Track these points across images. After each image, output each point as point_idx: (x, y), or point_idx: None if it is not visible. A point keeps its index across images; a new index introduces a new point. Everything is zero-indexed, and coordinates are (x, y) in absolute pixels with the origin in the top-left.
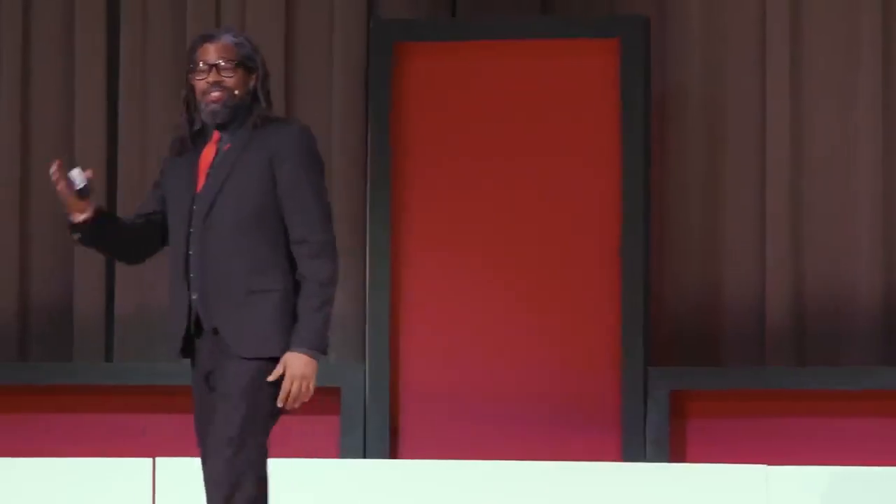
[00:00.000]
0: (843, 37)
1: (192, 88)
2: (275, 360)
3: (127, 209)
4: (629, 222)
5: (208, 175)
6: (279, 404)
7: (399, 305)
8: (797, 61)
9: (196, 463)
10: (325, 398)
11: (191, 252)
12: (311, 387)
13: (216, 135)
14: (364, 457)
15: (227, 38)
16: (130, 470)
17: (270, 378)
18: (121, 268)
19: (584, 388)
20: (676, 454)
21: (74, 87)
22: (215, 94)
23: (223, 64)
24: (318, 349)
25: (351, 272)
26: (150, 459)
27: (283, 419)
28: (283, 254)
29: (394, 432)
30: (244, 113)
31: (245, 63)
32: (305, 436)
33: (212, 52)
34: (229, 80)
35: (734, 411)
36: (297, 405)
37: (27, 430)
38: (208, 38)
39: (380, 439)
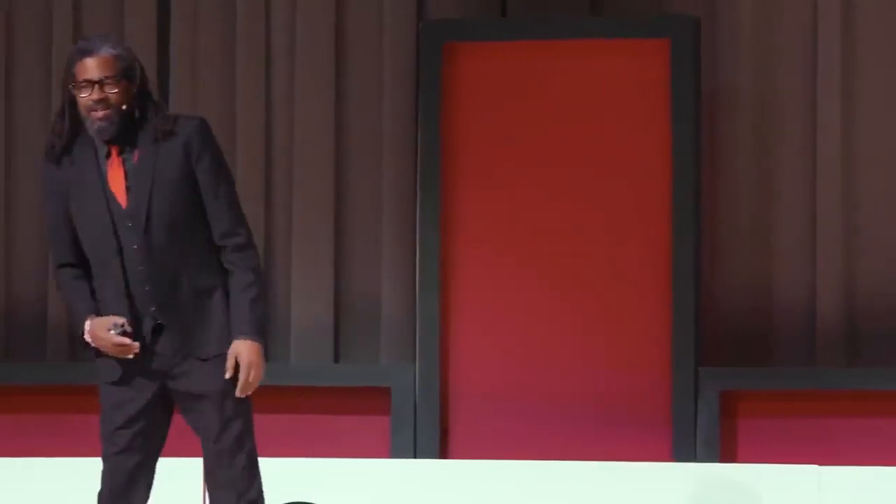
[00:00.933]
0: (895, 35)
1: (72, 100)
2: (224, 357)
3: None
4: (679, 222)
5: (129, 189)
6: (239, 394)
7: (449, 306)
8: (848, 60)
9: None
10: (375, 398)
11: (132, 268)
12: (262, 373)
13: (113, 149)
14: (414, 457)
15: (105, 51)
16: (182, 470)
17: (227, 373)
18: None
19: (634, 388)
20: (727, 454)
21: None
22: (102, 113)
23: (106, 80)
24: (262, 336)
25: (401, 273)
26: (201, 459)
27: (332, 421)
28: (212, 249)
29: (444, 432)
30: (132, 121)
31: (127, 74)
32: (356, 436)
33: (93, 68)
34: (114, 95)
35: (785, 411)
36: (250, 392)
37: (80, 430)
38: (87, 52)
39: (430, 439)
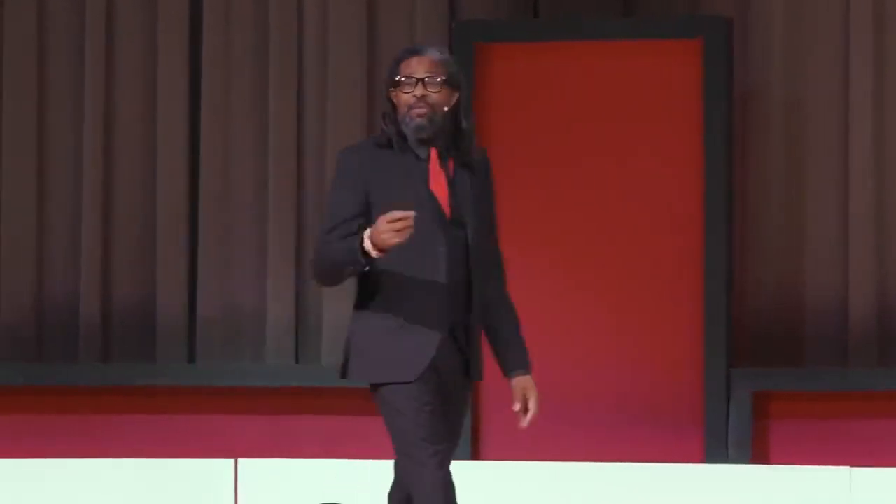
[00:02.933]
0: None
1: (392, 102)
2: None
3: (207, 208)
4: (711, 222)
5: (453, 197)
6: (524, 425)
7: None
8: (881, 61)
9: (278, 463)
10: None
11: (452, 273)
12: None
13: (433, 153)
14: None
15: (433, 54)
16: (213, 471)
17: (517, 405)
18: (204, 269)
19: (666, 389)
20: (759, 455)
21: (157, 89)
22: (422, 110)
23: (429, 79)
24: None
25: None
26: (233, 461)
27: (365, 422)
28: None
29: (475, 433)
30: (446, 130)
31: (450, 81)
32: (386, 437)
33: (420, 67)
34: (435, 96)
35: (817, 412)
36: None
37: (110, 431)
38: (415, 52)
39: (462, 441)
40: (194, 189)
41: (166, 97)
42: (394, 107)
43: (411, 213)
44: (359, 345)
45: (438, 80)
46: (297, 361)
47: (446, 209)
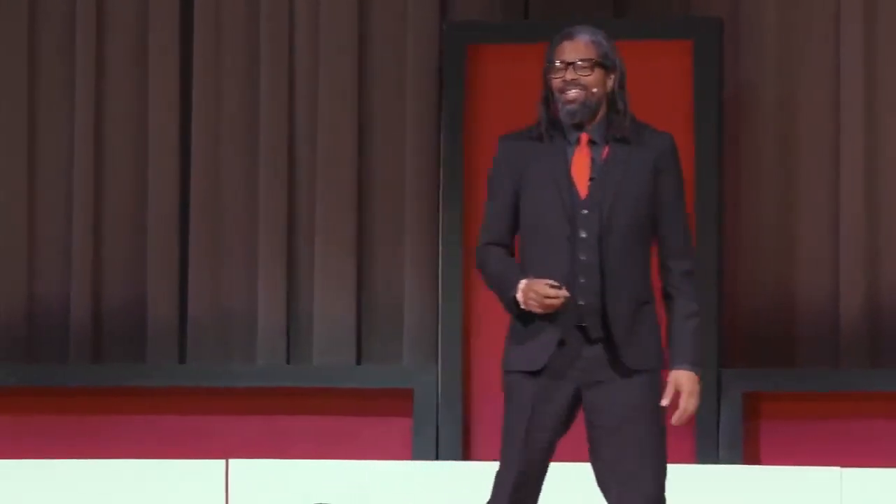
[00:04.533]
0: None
1: (549, 86)
2: (655, 372)
3: (198, 209)
4: (702, 223)
5: (593, 180)
6: (675, 422)
7: (471, 308)
8: (871, 62)
9: (269, 464)
10: (397, 400)
11: (582, 258)
12: (696, 405)
13: (583, 138)
14: (436, 458)
15: (583, 37)
16: (203, 471)
17: (665, 400)
18: (195, 270)
19: None
20: (750, 456)
21: (148, 92)
22: (572, 94)
23: (580, 62)
24: (700, 367)
25: (424, 275)
26: (224, 461)
27: (354, 423)
28: (648, 265)
29: (466, 433)
30: (602, 113)
31: (602, 62)
32: (378, 437)
33: (569, 51)
34: (586, 78)
35: (808, 413)
36: (683, 422)
37: (102, 432)
38: (566, 35)
39: (452, 441)
40: (185, 191)
41: (157, 100)
42: (551, 92)
43: (564, 294)
44: (508, 335)
45: (589, 62)
46: (287, 362)
47: (582, 193)
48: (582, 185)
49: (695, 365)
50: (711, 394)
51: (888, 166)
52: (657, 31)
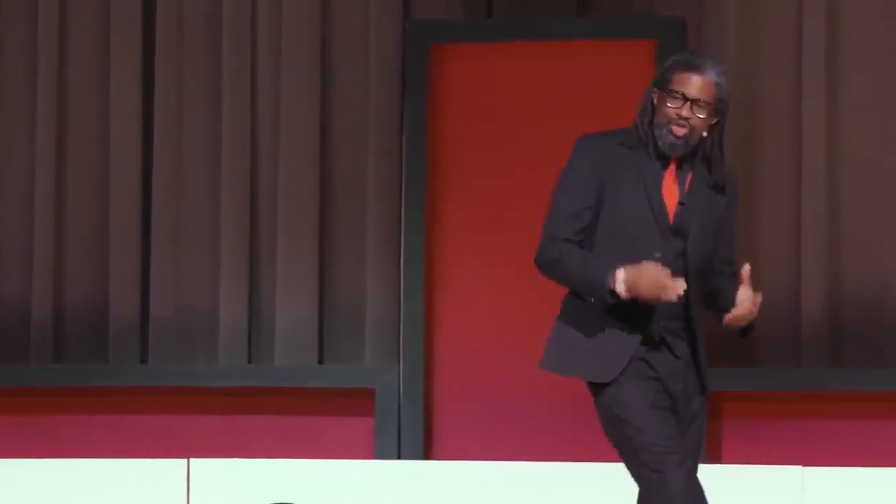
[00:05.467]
0: (879, 37)
1: (652, 102)
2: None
3: (160, 208)
4: None
5: (682, 205)
6: (732, 316)
7: (433, 307)
8: (833, 62)
9: (230, 464)
10: (359, 400)
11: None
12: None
13: (673, 163)
14: (398, 458)
15: (710, 75)
16: (165, 471)
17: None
18: (156, 269)
19: None
20: (712, 455)
21: (109, 89)
22: (682, 130)
23: (701, 102)
24: None
25: (386, 274)
26: (185, 460)
27: (316, 422)
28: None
29: (428, 433)
30: (695, 149)
31: (719, 105)
32: (340, 437)
33: (694, 86)
34: (700, 120)
35: (770, 412)
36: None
37: (63, 432)
38: (694, 67)
39: (414, 440)
40: (147, 191)
41: (119, 101)
42: (652, 106)
43: (682, 284)
44: (562, 338)
45: (708, 106)
46: (249, 362)
47: (671, 217)
48: (671, 207)
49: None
50: None
51: (849, 166)
52: (620, 30)
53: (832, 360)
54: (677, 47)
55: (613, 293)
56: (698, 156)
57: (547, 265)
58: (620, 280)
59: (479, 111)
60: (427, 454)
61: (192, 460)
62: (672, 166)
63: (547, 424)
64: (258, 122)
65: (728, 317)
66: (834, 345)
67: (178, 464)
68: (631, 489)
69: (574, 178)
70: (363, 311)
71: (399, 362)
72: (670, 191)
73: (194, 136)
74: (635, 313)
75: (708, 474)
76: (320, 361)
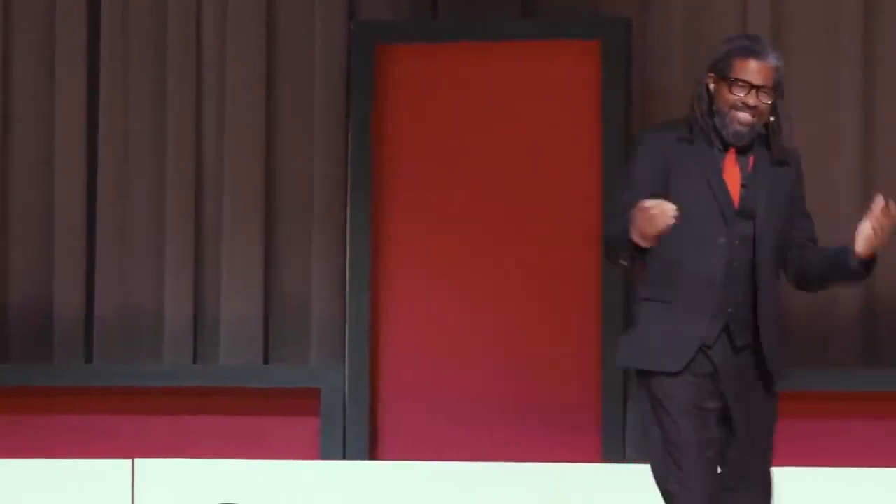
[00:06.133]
0: (823, 37)
1: (708, 88)
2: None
3: (105, 208)
4: (609, 223)
5: (745, 188)
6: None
7: (379, 307)
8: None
9: (175, 464)
10: (305, 400)
11: (734, 265)
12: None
13: (733, 148)
14: (344, 458)
15: (772, 60)
16: (109, 471)
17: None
18: (101, 269)
19: (563, 389)
20: None
21: (54, 87)
22: (747, 118)
23: (763, 88)
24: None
25: (331, 274)
26: (129, 461)
27: (261, 422)
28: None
29: (373, 433)
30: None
31: (779, 89)
32: (285, 437)
33: (758, 73)
34: (764, 106)
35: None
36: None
37: (7, 432)
38: (754, 53)
39: (359, 440)
40: (92, 189)
41: (64, 98)
42: (709, 92)
43: (667, 205)
44: (632, 330)
45: (771, 89)
46: (194, 362)
47: (735, 200)
48: (735, 192)
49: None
50: (617, 393)
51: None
52: (565, 31)
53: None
54: (622, 48)
55: (633, 243)
56: (760, 140)
57: (603, 252)
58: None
59: (425, 111)
60: (372, 454)
61: (136, 461)
62: (732, 151)
63: (492, 424)
64: (203, 121)
65: (859, 241)
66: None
67: (123, 464)
68: (571, 489)
69: (635, 171)
70: (309, 310)
71: (344, 362)
72: (732, 175)
73: (139, 136)
74: (701, 302)
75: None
76: (265, 361)
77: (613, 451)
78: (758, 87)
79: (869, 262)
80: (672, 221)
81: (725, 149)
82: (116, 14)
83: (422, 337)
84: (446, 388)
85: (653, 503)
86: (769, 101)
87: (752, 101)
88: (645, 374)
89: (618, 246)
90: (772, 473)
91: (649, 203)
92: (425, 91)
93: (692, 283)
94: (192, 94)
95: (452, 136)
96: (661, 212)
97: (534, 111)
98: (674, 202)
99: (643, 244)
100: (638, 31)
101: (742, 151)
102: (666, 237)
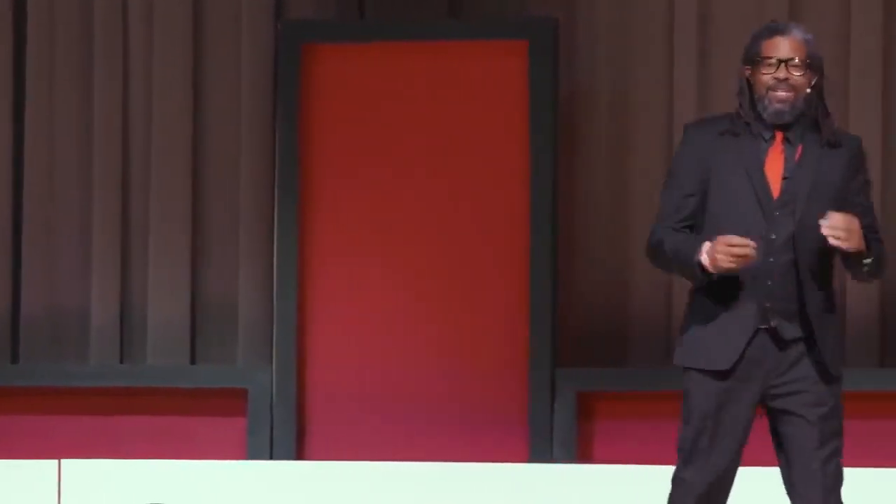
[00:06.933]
0: (749, 36)
1: (746, 79)
2: (840, 382)
3: (31, 207)
4: (537, 223)
5: (786, 180)
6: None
7: (306, 307)
8: (704, 61)
9: (102, 464)
10: (232, 400)
11: (771, 259)
12: (851, 236)
13: (778, 136)
14: (271, 458)
15: (797, 34)
16: (36, 472)
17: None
18: (27, 268)
19: (491, 389)
20: (583, 455)
21: None
22: (783, 94)
23: (795, 61)
24: (871, 254)
25: (258, 274)
26: (56, 461)
27: (189, 423)
28: (834, 270)
29: (300, 433)
30: (805, 114)
31: (813, 63)
32: (212, 437)
33: (783, 47)
34: (798, 78)
35: (641, 412)
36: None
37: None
38: (777, 30)
39: (286, 441)
40: (18, 189)
41: None
42: (749, 85)
43: (750, 243)
44: (684, 332)
45: (802, 62)
46: (121, 362)
47: (774, 193)
48: (775, 184)
49: (869, 243)
50: (545, 393)
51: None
52: (492, 31)
53: None
54: (550, 48)
55: (703, 268)
56: (804, 123)
57: (650, 254)
58: (703, 252)
59: (352, 111)
60: (299, 454)
61: (63, 461)
62: (778, 141)
63: (419, 424)
64: (130, 120)
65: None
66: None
67: (49, 465)
68: (498, 489)
69: (678, 166)
70: (236, 311)
71: (272, 362)
72: (775, 167)
73: (65, 135)
74: (747, 298)
75: (580, 474)
76: (193, 361)
77: (541, 451)
78: (786, 62)
79: (861, 259)
80: (753, 261)
81: (773, 137)
82: (42, 15)
83: (349, 337)
84: (373, 388)
85: (580, 501)
86: (800, 74)
87: (782, 74)
88: (685, 369)
89: (683, 269)
90: (839, 475)
91: (736, 241)
92: (352, 91)
93: (739, 280)
94: (118, 94)
95: (380, 136)
96: (745, 253)
97: (461, 111)
98: (716, 197)
99: (712, 271)
100: (565, 31)
101: (791, 141)
102: (711, 234)
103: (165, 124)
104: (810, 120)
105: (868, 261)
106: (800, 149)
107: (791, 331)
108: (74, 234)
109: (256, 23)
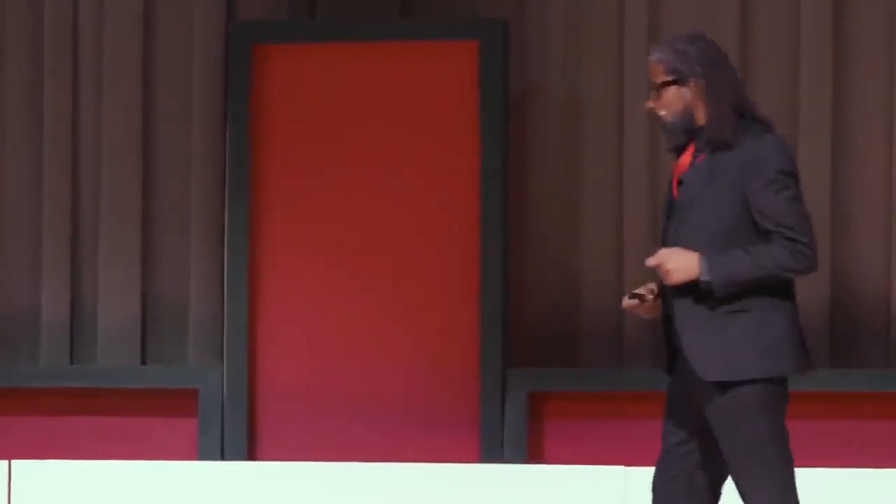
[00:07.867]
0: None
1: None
2: (748, 383)
3: None
4: (488, 223)
5: (680, 184)
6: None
7: (257, 307)
8: None
9: (53, 465)
10: (183, 400)
11: None
12: (670, 273)
13: (691, 144)
14: (222, 458)
15: (652, 57)
16: None
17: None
18: None
19: (442, 389)
20: (534, 455)
21: None
22: (661, 119)
23: (655, 87)
24: (718, 278)
25: (209, 274)
26: (6, 462)
27: (140, 423)
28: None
29: (251, 434)
30: (690, 126)
31: (674, 80)
32: (163, 438)
33: (651, 73)
34: (657, 102)
35: (592, 413)
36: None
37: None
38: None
39: (237, 441)
40: None
41: None
42: None
43: (628, 303)
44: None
45: (657, 85)
46: (71, 362)
47: (675, 199)
48: (676, 188)
49: (708, 264)
50: (496, 393)
51: (670, 164)
52: (442, 31)
53: (651, 362)
54: (500, 48)
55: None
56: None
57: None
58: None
59: (302, 112)
60: (251, 454)
61: (13, 462)
62: (689, 150)
63: (370, 425)
64: (80, 120)
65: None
66: (654, 346)
67: (0, 465)
68: (449, 489)
69: None
70: (186, 311)
71: (223, 362)
72: (677, 174)
73: (15, 134)
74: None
75: (530, 474)
76: (143, 362)
77: (492, 451)
78: (655, 88)
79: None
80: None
81: (687, 145)
82: None
83: (300, 337)
84: (325, 388)
85: (531, 502)
86: (658, 98)
87: (651, 102)
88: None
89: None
90: (762, 476)
91: (625, 304)
92: (303, 91)
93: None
94: (68, 93)
95: (331, 137)
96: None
97: (412, 111)
98: None
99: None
100: (515, 32)
101: (699, 148)
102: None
103: (116, 124)
104: (715, 139)
105: (707, 280)
106: (702, 157)
107: (673, 338)
108: (24, 234)
109: (207, 23)
